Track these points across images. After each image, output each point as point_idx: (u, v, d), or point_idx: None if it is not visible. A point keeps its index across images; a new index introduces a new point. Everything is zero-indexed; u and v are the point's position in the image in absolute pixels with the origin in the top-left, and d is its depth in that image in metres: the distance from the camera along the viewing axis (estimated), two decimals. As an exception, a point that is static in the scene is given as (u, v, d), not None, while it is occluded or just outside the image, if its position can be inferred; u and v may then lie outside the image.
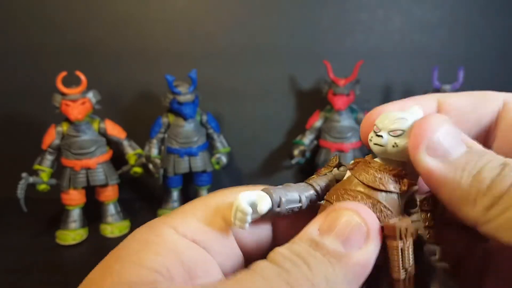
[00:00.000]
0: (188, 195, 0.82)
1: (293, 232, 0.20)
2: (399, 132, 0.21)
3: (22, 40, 0.78)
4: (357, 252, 0.19)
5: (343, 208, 0.20)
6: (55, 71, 0.68)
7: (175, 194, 0.78)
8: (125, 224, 0.74)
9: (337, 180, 0.23)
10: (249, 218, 0.20)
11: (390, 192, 0.21)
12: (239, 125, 0.83)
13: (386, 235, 0.20)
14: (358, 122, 0.75)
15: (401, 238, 0.19)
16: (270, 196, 0.20)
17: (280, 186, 0.21)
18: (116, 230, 0.72)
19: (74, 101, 0.67)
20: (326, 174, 0.23)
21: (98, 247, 0.69)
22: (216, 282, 0.18)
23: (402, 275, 0.19)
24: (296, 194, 0.21)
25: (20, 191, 0.66)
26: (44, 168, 0.70)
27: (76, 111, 0.67)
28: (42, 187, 0.69)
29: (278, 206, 0.20)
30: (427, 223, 0.21)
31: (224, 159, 0.78)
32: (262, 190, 0.20)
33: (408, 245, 0.19)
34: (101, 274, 0.19)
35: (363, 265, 0.19)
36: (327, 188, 0.22)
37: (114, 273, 0.18)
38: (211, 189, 0.80)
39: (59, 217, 0.72)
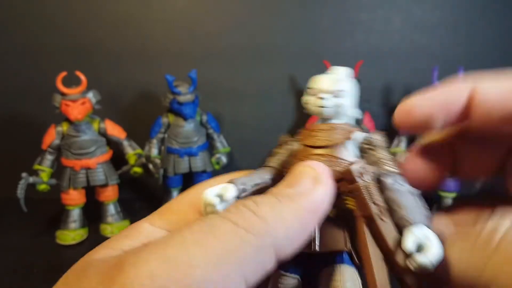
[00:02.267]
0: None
1: None
2: (340, 93, 0.22)
3: (22, 40, 0.78)
4: (306, 191, 0.19)
5: (295, 166, 0.21)
6: (55, 71, 0.68)
7: (175, 194, 0.78)
8: (125, 224, 0.74)
9: (291, 154, 0.24)
10: (218, 208, 0.20)
11: (338, 144, 0.22)
12: (239, 125, 0.83)
13: (345, 179, 0.21)
14: (358, 122, 0.75)
15: (361, 178, 0.20)
16: (234, 185, 0.21)
17: (239, 177, 0.22)
18: (116, 230, 0.72)
19: (74, 101, 0.67)
20: (279, 151, 0.24)
21: (98, 247, 0.69)
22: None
23: (374, 209, 0.19)
24: (256, 177, 0.22)
25: (20, 191, 0.66)
26: (44, 168, 0.70)
27: (76, 111, 0.67)
28: (42, 187, 0.69)
29: (244, 191, 0.21)
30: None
31: (224, 159, 0.78)
32: (227, 181, 0.21)
33: (370, 182, 0.20)
34: (78, 261, 0.20)
35: (313, 201, 0.19)
36: (284, 164, 0.24)
37: (86, 255, 0.20)
38: (211, 189, 0.80)
39: (59, 217, 0.72)
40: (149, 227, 0.21)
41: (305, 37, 0.79)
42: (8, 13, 0.77)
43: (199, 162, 0.75)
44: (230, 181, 0.21)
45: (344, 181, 0.21)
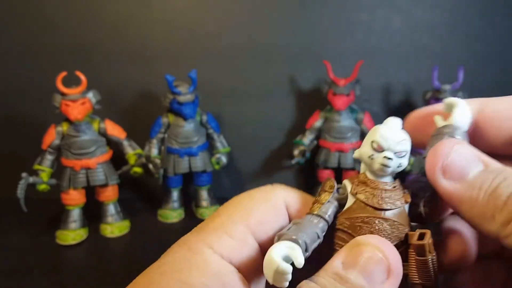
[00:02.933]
0: (188, 195, 0.82)
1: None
2: (403, 154, 0.22)
3: (22, 40, 0.78)
4: (379, 287, 0.19)
5: (365, 242, 0.21)
6: (55, 71, 0.68)
7: (175, 194, 0.78)
8: (125, 224, 0.74)
9: (339, 203, 0.23)
10: (289, 277, 0.19)
11: (399, 208, 0.22)
12: (239, 125, 0.83)
13: (415, 251, 0.21)
14: (358, 122, 0.75)
15: (430, 252, 0.21)
16: (298, 245, 0.20)
17: (293, 226, 0.21)
18: (116, 230, 0.72)
19: (74, 101, 0.67)
20: (329, 201, 0.23)
21: (98, 247, 0.69)
22: None
23: (433, 281, 0.21)
24: (313, 232, 0.21)
25: (20, 191, 0.65)
26: (44, 168, 0.70)
27: (76, 111, 0.67)
28: (42, 187, 0.69)
29: (306, 251, 0.20)
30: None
31: (224, 159, 0.78)
32: (284, 238, 0.20)
33: (434, 256, 0.21)
34: (145, 285, 0.19)
35: None
36: (334, 215, 0.23)
37: (159, 285, 0.19)
38: (211, 189, 0.80)
39: (59, 217, 0.72)
40: (213, 256, 0.20)
41: (305, 37, 0.79)
42: (8, 13, 0.77)
43: (199, 162, 0.75)
44: (294, 240, 0.20)
45: (409, 247, 0.22)
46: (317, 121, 0.76)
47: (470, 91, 0.73)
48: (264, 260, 0.19)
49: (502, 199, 0.18)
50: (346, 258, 0.20)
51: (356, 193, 0.22)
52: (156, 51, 0.79)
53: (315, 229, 0.21)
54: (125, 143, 0.74)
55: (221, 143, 0.79)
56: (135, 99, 0.81)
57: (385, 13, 0.77)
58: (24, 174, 0.66)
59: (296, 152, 0.76)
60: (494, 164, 0.21)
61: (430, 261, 0.21)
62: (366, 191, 0.22)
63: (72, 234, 0.69)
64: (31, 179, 0.67)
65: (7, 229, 0.74)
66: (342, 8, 0.77)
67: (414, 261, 0.21)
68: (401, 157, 0.22)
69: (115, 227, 0.72)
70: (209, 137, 0.78)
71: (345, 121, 0.74)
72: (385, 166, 0.22)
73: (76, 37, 0.78)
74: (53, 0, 0.77)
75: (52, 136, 0.70)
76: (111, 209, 0.74)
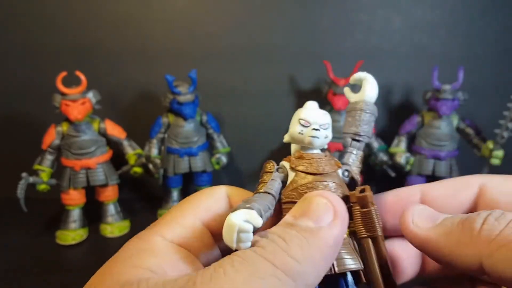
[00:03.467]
0: (188, 195, 0.82)
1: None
2: (327, 126, 0.26)
3: (22, 40, 0.78)
4: (327, 227, 0.21)
5: (311, 195, 0.23)
6: (55, 71, 0.68)
7: (175, 194, 0.78)
8: (125, 224, 0.74)
9: (282, 181, 0.26)
10: (251, 235, 0.21)
11: (334, 171, 0.25)
12: (239, 125, 0.83)
13: (359, 204, 0.24)
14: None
15: (372, 204, 0.24)
16: (254, 211, 0.22)
17: (244, 202, 0.23)
18: (116, 230, 0.72)
19: (74, 101, 0.67)
20: (272, 179, 0.25)
21: (98, 247, 0.69)
22: (202, 270, 0.20)
23: (379, 232, 0.24)
24: (264, 204, 0.23)
25: (20, 191, 0.66)
26: (44, 168, 0.70)
27: (76, 111, 0.67)
28: (42, 187, 0.69)
29: (261, 217, 0.22)
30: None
31: (224, 159, 0.78)
32: (240, 207, 0.22)
33: (376, 208, 0.24)
34: (101, 276, 0.21)
35: (335, 238, 0.21)
36: (279, 191, 0.25)
37: (114, 274, 0.20)
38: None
39: (59, 217, 0.72)
40: (162, 241, 0.22)
41: (305, 37, 0.79)
42: (8, 13, 0.77)
43: (199, 162, 0.75)
44: (249, 207, 0.22)
45: (352, 206, 0.24)
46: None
47: (470, 91, 0.73)
48: (224, 227, 0.21)
49: (478, 222, 0.20)
50: (296, 211, 0.22)
51: (295, 167, 0.25)
52: (156, 51, 0.79)
53: (264, 201, 0.23)
54: (125, 143, 0.74)
55: (221, 143, 0.79)
56: (135, 99, 0.81)
57: (385, 13, 0.77)
58: (24, 174, 0.66)
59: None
60: (458, 214, 0.23)
61: (373, 212, 0.24)
62: (304, 163, 0.25)
63: (72, 234, 0.69)
64: (31, 179, 0.67)
65: (7, 229, 0.74)
66: (342, 8, 0.77)
67: (359, 215, 0.24)
68: (325, 129, 0.25)
69: (115, 227, 0.72)
70: (209, 137, 0.78)
71: (345, 121, 0.74)
72: (314, 137, 0.25)
73: (76, 37, 0.78)
74: (53, 0, 0.77)
75: (52, 136, 0.70)
76: (111, 209, 0.74)
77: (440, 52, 0.78)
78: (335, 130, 0.73)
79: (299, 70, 0.80)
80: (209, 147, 0.78)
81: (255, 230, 0.21)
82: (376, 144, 0.76)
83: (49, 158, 0.71)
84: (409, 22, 0.77)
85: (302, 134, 0.25)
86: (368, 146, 0.76)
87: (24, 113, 0.82)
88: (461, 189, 0.26)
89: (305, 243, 0.20)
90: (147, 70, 0.79)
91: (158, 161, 0.72)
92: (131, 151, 0.74)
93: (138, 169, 0.73)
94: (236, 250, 0.21)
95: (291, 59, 0.79)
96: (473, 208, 0.25)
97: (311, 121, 0.25)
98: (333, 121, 0.73)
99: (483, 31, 0.78)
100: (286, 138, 0.27)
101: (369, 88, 0.29)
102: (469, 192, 0.25)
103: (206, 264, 0.22)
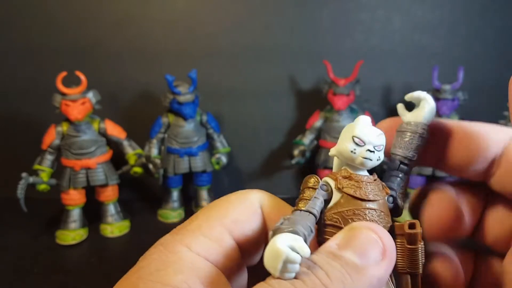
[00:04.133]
0: (188, 195, 0.82)
1: None
2: (381, 147, 0.23)
3: (22, 40, 0.78)
4: (374, 266, 0.19)
5: (359, 226, 0.21)
6: (55, 71, 0.68)
7: (175, 194, 0.78)
8: (125, 224, 0.74)
9: (324, 200, 0.23)
10: (298, 267, 0.19)
11: (382, 199, 0.23)
12: (239, 125, 0.83)
13: (406, 239, 0.22)
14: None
15: (420, 241, 0.22)
16: (301, 237, 0.20)
17: (285, 221, 0.21)
18: (116, 230, 0.72)
19: (74, 101, 0.67)
20: (315, 197, 0.23)
21: (98, 247, 0.69)
22: None
23: (421, 270, 0.22)
24: (307, 225, 0.21)
25: (20, 191, 0.66)
26: (44, 168, 0.70)
27: (76, 111, 0.67)
28: (42, 187, 0.69)
29: (305, 242, 0.20)
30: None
31: (224, 159, 0.78)
32: (284, 231, 0.20)
33: (423, 245, 0.22)
34: None
35: (379, 279, 0.19)
36: (321, 210, 0.23)
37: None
38: (211, 189, 0.80)
39: (59, 217, 0.72)
40: (189, 254, 0.20)
41: (305, 37, 0.79)
42: (8, 13, 0.77)
43: (199, 162, 0.75)
44: (295, 232, 0.20)
45: (399, 238, 0.23)
46: (317, 121, 0.76)
47: (470, 91, 0.73)
48: (267, 252, 0.19)
49: None
50: (341, 240, 0.20)
51: (342, 188, 0.23)
52: (156, 51, 0.79)
53: (308, 222, 0.21)
54: (125, 143, 0.74)
55: (221, 143, 0.79)
56: (135, 99, 0.81)
57: (385, 13, 0.77)
58: (24, 174, 0.66)
59: (296, 152, 0.76)
60: None
61: (419, 250, 0.22)
62: (352, 185, 0.23)
63: (72, 234, 0.69)
64: (31, 179, 0.67)
65: (7, 229, 0.74)
66: (342, 8, 0.77)
67: (401, 250, 0.22)
68: (380, 150, 0.23)
69: (115, 227, 0.72)
70: (209, 137, 0.78)
71: (345, 121, 0.74)
72: (367, 159, 0.23)
73: (76, 37, 0.78)
74: (53, 0, 0.77)
75: (52, 136, 0.70)
76: (111, 209, 0.74)
77: (440, 52, 0.78)
78: (335, 130, 0.74)
79: (299, 70, 0.80)
80: (209, 147, 0.78)
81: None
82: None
83: (49, 158, 0.71)
84: (409, 22, 0.77)
85: (354, 153, 0.23)
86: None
87: (24, 113, 0.82)
88: (493, 133, 0.23)
89: (348, 280, 0.18)
90: (147, 70, 0.79)
91: (158, 161, 0.72)
92: (131, 151, 0.74)
93: (138, 169, 0.73)
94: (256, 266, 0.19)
95: (291, 59, 0.79)
96: (498, 159, 0.24)
97: (367, 141, 0.23)
98: (333, 121, 0.74)
99: (483, 31, 0.78)
100: (332, 152, 0.24)
101: (428, 110, 0.26)
102: (499, 136, 0.23)
103: (233, 285, 0.21)
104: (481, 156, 0.23)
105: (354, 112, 0.76)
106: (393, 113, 0.90)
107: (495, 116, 0.67)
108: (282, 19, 0.78)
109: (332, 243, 0.20)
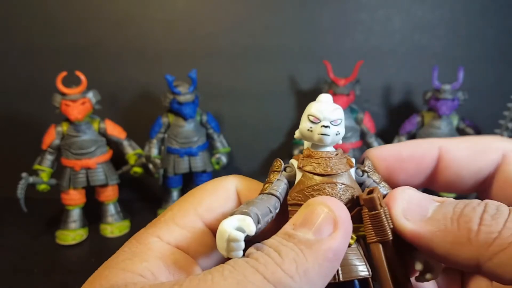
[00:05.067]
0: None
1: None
2: (339, 121, 0.24)
3: (22, 40, 0.78)
4: (327, 239, 0.20)
5: (313, 202, 0.21)
6: (55, 71, 0.68)
7: (175, 194, 0.78)
8: (125, 224, 0.74)
9: (289, 181, 0.24)
10: (242, 244, 0.20)
11: (345, 171, 0.23)
12: (239, 125, 0.83)
13: (366, 206, 0.22)
14: (358, 122, 0.75)
15: (381, 206, 0.22)
16: (249, 216, 0.20)
17: (244, 205, 0.22)
18: (116, 230, 0.72)
19: (74, 101, 0.67)
20: (278, 179, 0.24)
21: (98, 247, 0.69)
22: (192, 275, 0.19)
23: (390, 236, 0.22)
24: (265, 207, 0.22)
25: (20, 191, 0.66)
26: (44, 168, 0.70)
27: (76, 111, 0.67)
28: (42, 187, 0.69)
29: (258, 223, 0.21)
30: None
31: (224, 159, 0.78)
32: (236, 212, 0.21)
33: (386, 209, 0.22)
34: (91, 281, 0.21)
35: (334, 250, 0.20)
36: (285, 191, 0.24)
37: (102, 278, 0.20)
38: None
39: (59, 217, 0.72)
40: (158, 243, 0.22)
41: (305, 37, 0.79)
42: (8, 13, 0.77)
43: (199, 162, 0.75)
44: (245, 212, 0.20)
45: (362, 208, 0.23)
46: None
47: (470, 91, 0.73)
48: (216, 234, 0.20)
49: (475, 221, 0.19)
50: (296, 219, 0.21)
51: (302, 167, 0.24)
52: (156, 51, 0.79)
53: (266, 204, 0.22)
54: (125, 143, 0.74)
55: (221, 143, 0.79)
56: (135, 99, 0.81)
57: (385, 13, 0.77)
58: (24, 174, 0.66)
59: (296, 152, 0.76)
60: (448, 199, 0.21)
61: (382, 214, 0.22)
62: (312, 163, 0.23)
63: (72, 234, 0.69)
64: (31, 179, 0.67)
65: (7, 229, 0.74)
66: (342, 8, 0.77)
67: (368, 218, 0.22)
68: (337, 125, 0.24)
69: (115, 227, 0.72)
70: (209, 137, 0.78)
71: (345, 121, 0.74)
72: (324, 134, 0.23)
73: (76, 37, 0.78)
74: (53, 0, 0.77)
75: (52, 136, 0.70)
76: (111, 209, 0.74)
77: (440, 52, 0.78)
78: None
79: (299, 70, 0.80)
80: (209, 147, 0.78)
81: (251, 238, 0.20)
82: (376, 144, 0.76)
83: (49, 158, 0.71)
84: (409, 22, 0.77)
85: (311, 131, 0.23)
86: (367, 146, 0.76)
87: (24, 113, 0.82)
88: (483, 153, 0.24)
89: (301, 257, 0.19)
90: (147, 70, 0.79)
91: (158, 161, 0.72)
92: (131, 151, 0.74)
93: (138, 169, 0.73)
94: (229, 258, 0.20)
95: (291, 59, 0.79)
96: (492, 175, 0.24)
97: (321, 117, 0.23)
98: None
99: (483, 31, 0.78)
100: (296, 135, 0.25)
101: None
102: (491, 158, 0.23)
103: (207, 268, 0.21)
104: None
105: (354, 112, 0.76)
106: (393, 113, 0.90)
107: (495, 116, 0.67)
108: (282, 19, 0.78)
109: (288, 224, 0.21)
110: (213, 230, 0.23)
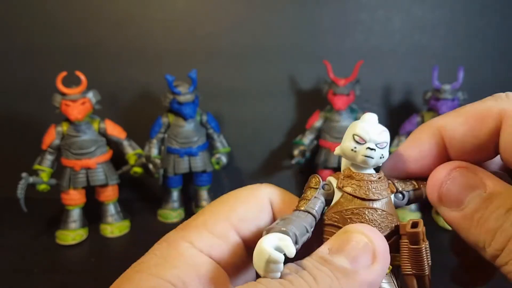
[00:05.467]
0: (188, 195, 0.82)
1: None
2: (384, 145, 0.23)
3: (22, 40, 0.78)
4: (364, 271, 0.19)
5: (352, 230, 0.21)
6: (55, 71, 0.68)
7: (175, 194, 0.78)
8: (125, 224, 0.74)
9: (326, 199, 0.23)
10: (281, 266, 0.19)
11: (386, 197, 0.23)
12: (239, 125, 0.83)
13: (408, 239, 0.22)
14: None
15: (423, 241, 0.21)
16: (288, 236, 0.20)
17: (281, 221, 0.21)
18: (116, 230, 0.72)
19: (74, 101, 0.67)
20: (315, 196, 0.23)
21: (98, 247, 0.69)
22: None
23: (427, 271, 0.22)
24: (302, 226, 0.21)
25: (20, 191, 0.65)
26: (44, 168, 0.70)
27: (76, 111, 0.67)
28: (42, 187, 0.69)
29: (296, 243, 0.20)
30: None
31: (224, 159, 0.78)
32: (274, 230, 0.20)
33: (427, 245, 0.22)
34: (120, 283, 0.20)
35: (370, 283, 0.19)
36: (322, 210, 0.23)
37: (133, 281, 0.19)
38: (211, 189, 0.80)
39: (59, 217, 0.72)
40: (191, 250, 0.21)
41: (305, 37, 0.79)
42: (8, 13, 0.77)
43: (199, 162, 0.75)
44: (284, 232, 0.20)
45: (400, 237, 0.22)
46: (317, 121, 0.76)
47: (470, 91, 0.73)
48: (254, 252, 0.19)
49: (491, 233, 0.19)
50: (333, 244, 0.20)
51: (342, 187, 0.23)
52: (156, 51, 0.79)
53: (303, 223, 0.21)
54: (125, 143, 0.74)
55: (221, 143, 0.79)
56: (135, 99, 0.81)
57: (385, 13, 0.77)
58: (24, 174, 0.66)
59: (296, 152, 0.76)
60: (493, 186, 0.21)
61: (423, 250, 0.21)
62: (352, 184, 0.23)
63: (72, 234, 0.69)
64: (31, 179, 0.67)
65: (7, 229, 0.74)
66: (342, 8, 0.77)
67: (406, 250, 0.22)
68: (382, 148, 0.23)
69: (115, 227, 0.72)
70: (209, 137, 0.78)
71: (345, 121, 0.74)
72: (368, 157, 0.22)
73: (76, 37, 0.78)
74: (53, 0, 0.77)
75: (52, 136, 0.70)
76: (111, 209, 0.74)
77: (440, 52, 0.78)
78: (335, 130, 0.74)
79: (299, 70, 0.80)
80: (209, 147, 0.78)
81: (289, 259, 0.20)
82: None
83: (49, 158, 0.71)
84: (409, 22, 0.77)
85: (355, 151, 0.22)
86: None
87: (25, 113, 0.82)
88: (480, 123, 0.22)
89: (336, 285, 0.18)
90: (147, 70, 0.79)
91: (158, 161, 0.72)
92: (131, 151, 0.74)
93: (138, 169, 0.73)
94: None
95: (291, 59, 0.79)
96: (495, 139, 0.22)
97: (367, 138, 0.22)
98: (333, 121, 0.74)
99: (483, 31, 0.78)
100: (337, 151, 0.24)
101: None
102: (488, 125, 0.22)
103: (237, 281, 0.21)
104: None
105: (354, 112, 0.76)
106: (393, 113, 0.90)
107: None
108: (282, 19, 0.78)
109: (324, 247, 0.21)
110: (245, 242, 0.22)
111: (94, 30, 0.78)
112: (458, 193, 0.21)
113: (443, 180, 0.22)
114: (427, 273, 0.22)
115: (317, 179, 0.23)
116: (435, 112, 0.72)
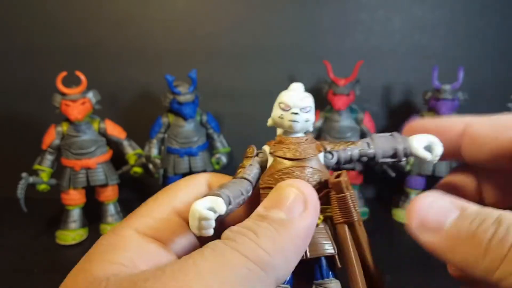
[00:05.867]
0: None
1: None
2: (308, 109, 0.25)
3: (22, 40, 0.78)
4: (299, 218, 0.21)
5: (283, 185, 0.23)
6: (55, 71, 0.68)
7: (175, 194, 0.78)
8: (125, 224, 0.73)
9: (261, 166, 0.25)
10: (212, 223, 0.21)
11: (313, 156, 0.25)
12: (239, 125, 0.83)
13: (334, 189, 0.24)
14: (358, 122, 0.75)
15: (347, 189, 0.23)
16: (221, 198, 0.21)
17: (217, 188, 0.23)
18: (116, 230, 0.72)
19: (74, 101, 0.67)
20: (250, 164, 0.25)
21: (98, 247, 0.69)
22: (172, 261, 0.20)
23: (355, 217, 0.23)
24: (237, 189, 0.23)
25: (20, 191, 0.66)
26: (44, 168, 0.70)
27: (76, 111, 0.67)
28: (42, 187, 0.69)
29: (229, 204, 0.22)
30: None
31: (224, 159, 0.78)
32: (209, 195, 0.22)
33: (352, 193, 0.24)
34: (74, 275, 0.22)
35: (306, 228, 0.21)
36: (257, 176, 0.25)
37: (85, 271, 0.21)
38: (211, 189, 0.80)
39: (59, 217, 0.72)
40: (135, 235, 0.22)
41: (305, 37, 0.79)
42: (8, 13, 0.77)
43: (199, 162, 0.75)
44: (216, 194, 0.22)
45: (329, 191, 0.24)
46: (317, 121, 0.76)
47: (470, 91, 0.73)
48: (189, 214, 0.21)
49: (482, 246, 0.19)
50: (267, 202, 0.22)
51: (274, 152, 0.25)
52: (156, 51, 0.79)
53: (238, 187, 0.23)
54: (125, 143, 0.74)
55: (221, 143, 0.79)
56: (135, 99, 0.81)
57: (385, 13, 0.77)
58: (24, 174, 0.66)
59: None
60: (470, 207, 0.21)
61: (348, 197, 0.23)
62: (283, 148, 0.25)
63: (72, 234, 0.69)
64: (31, 179, 0.67)
65: (7, 229, 0.74)
66: (342, 8, 0.77)
67: (335, 200, 0.24)
68: (307, 112, 0.25)
69: (115, 227, 0.72)
70: (209, 137, 0.78)
71: (345, 121, 0.74)
72: (294, 121, 0.24)
73: (76, 37, 0.78)
74: (53, 0, 0.77)
75: (52, 136, 0.70)
76: (111, 209, 0.74)
77: (440, 52, 0.78)
78: (335, 130, 0.74)
79: (299, 70, 0.80)
80: (209, 147, 0.78)
81: (222, 217, 0.21)
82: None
83: (49, 158, 0.71)
84: (409, 22, 0.78)
85: (282, 118, 0.25)
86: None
87: (25, 113, 0.82)
88: (505, 129, 0.24)
89: (276, 235, 0.20)
90: (147, 70, 0.80)
91: (158, 161, 0.72)
92: (131, 151, 0.74)
93: (138, 169, 0.73)
94: (203, 238, 0.21)
95: (291, 59, 0.79)
96: None
97: (291, 104, 0.25)
98: (333, 121, 0.74)
99: (483, 31, 0.78)
100: (269, 122, 0.27)
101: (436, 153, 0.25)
102: (511, 133, 0.24)
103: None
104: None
105: (354, 112, 0.76)
106: (393, 113, 0.90)
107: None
108: (282, 19, 0.78)
109: (260, 207, 0.22)
110: (187, 221, 0.24)
111: (94, 30, 0.78)
112: (438, 216, 0.21)
113: (423, 207, 0.22)
114: (355, 219, 0.23)
115: (252, 148, 0.26)
116: (435, 112, 0.72)
